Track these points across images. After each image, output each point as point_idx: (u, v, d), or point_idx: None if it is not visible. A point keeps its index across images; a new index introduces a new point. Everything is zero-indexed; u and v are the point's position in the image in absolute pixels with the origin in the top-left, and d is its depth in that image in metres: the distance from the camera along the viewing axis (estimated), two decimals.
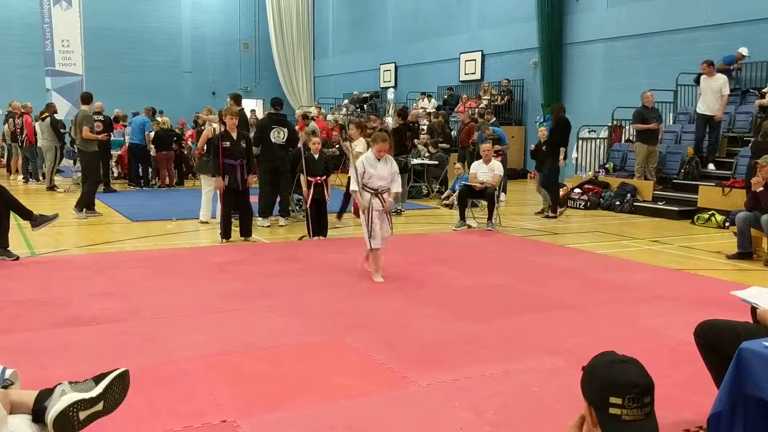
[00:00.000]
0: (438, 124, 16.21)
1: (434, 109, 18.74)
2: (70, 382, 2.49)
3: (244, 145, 8.42)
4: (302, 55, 28.77)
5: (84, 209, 10.26)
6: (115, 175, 16.28)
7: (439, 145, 15.12)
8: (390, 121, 18.45)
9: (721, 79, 11.79)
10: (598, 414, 1.92)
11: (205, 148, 9.75)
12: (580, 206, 12.65)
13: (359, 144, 9.69)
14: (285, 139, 9.65)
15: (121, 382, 2.55)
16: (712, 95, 11.82)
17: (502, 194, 12.73)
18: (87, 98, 11.03)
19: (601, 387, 1.90)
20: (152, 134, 15.16)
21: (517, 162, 18.57)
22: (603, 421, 1.90)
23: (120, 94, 22.76)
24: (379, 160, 6.57)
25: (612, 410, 1.87)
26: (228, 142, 8.25)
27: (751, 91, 12.88)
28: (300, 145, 9.27)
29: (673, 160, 12.79)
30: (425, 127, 16.77)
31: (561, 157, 11.20)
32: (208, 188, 9.91)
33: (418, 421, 3.36)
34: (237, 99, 10.20)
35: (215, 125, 9.68)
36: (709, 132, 12.18)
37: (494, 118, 16.02)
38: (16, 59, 23.78)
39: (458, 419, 3.37)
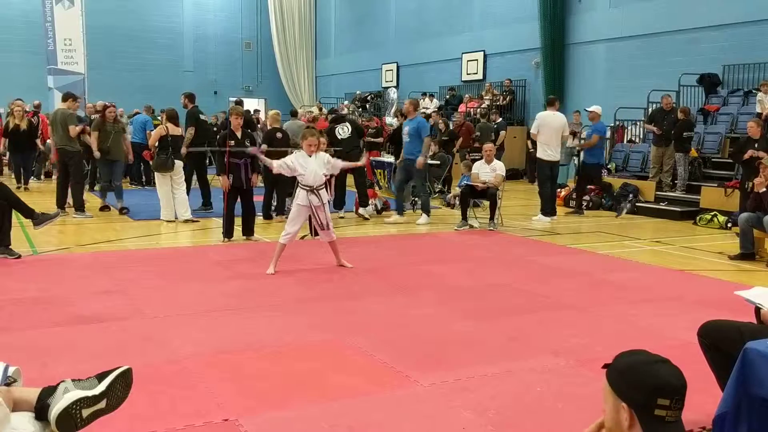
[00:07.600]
0: (443, 123, 16.18)
1: (436, 109, 18.71)
2: (72, 380, 2.48)
3: (248, 144, 8.44)
4: (304, 54, 28.77)
5: (78, 209, 10.19)
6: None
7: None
8: (391, 120, 18.46)
9: None
10: (640, 414, 1.86)
11: (157, 145, 9.75)
12: (582, 207, 12.60)
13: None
14: (350, 133, 10.86)
15: (124, 380, 2.55)
16: None
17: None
18: (70, 97, 10.64)
19: (650, 388, 1.85)
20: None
21: (519, 162, 18.53)
22: (646, 421, 1.85)
23: (122, 93, 22.73)
24: (310, 156, 6.73)
25: (658, 411, 1.84)
26: (233, 141, 8.29)
27: (753, 91, 12.86)
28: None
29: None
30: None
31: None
32: (165, 187, 9.90)
33: (420, 420, 3.36)
34: (191, 97, 11.10)
35: (169, 124, 9.85)
36: None
37: (500, 119, 15.98)
38: (18, 58, 23.75)
39: (460, 419, 3.37)
